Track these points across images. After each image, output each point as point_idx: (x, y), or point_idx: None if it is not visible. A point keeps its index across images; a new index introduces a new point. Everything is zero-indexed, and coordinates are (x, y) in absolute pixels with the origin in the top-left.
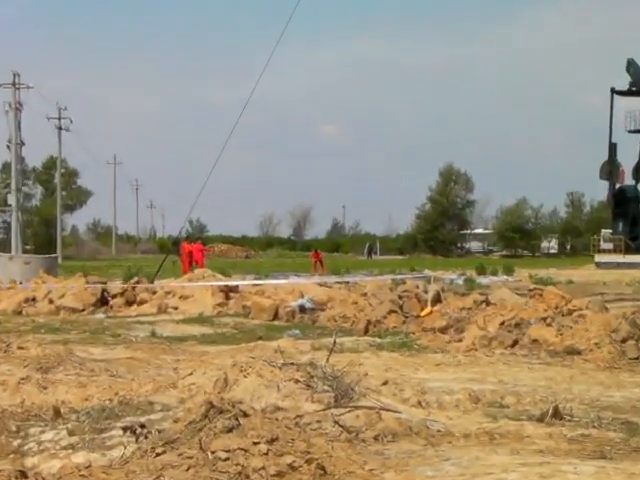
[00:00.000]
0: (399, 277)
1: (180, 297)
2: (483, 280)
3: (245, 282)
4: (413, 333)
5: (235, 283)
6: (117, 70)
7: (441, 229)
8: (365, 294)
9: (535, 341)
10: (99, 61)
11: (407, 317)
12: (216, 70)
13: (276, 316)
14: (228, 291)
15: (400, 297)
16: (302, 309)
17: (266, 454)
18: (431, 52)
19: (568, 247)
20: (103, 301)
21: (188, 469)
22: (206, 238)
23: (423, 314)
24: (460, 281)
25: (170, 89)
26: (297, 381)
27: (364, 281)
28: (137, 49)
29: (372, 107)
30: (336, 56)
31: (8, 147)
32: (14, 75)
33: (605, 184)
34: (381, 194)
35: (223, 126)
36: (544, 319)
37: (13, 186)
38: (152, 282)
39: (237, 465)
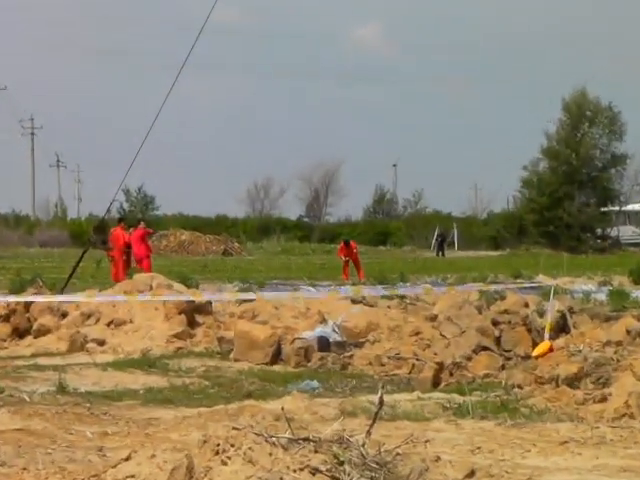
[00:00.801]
0: (493, 288)
1: (109, 323)
2: None
3: (224, 297)
4: (519, 386)
5: (206, 298)
6: None
7: (567, 205)
8: (434, 317)
9: None
10: None
11: (508, 358)
12: None
13: (278, 356)
14: (193, 312)
15: (495, 323)
16: (324, 344)
17: None
18: None
19: None
20: None
21: None
22: (154, 220)
23: (537, 353)
24: (602, 295)
25: None
26: (315, 471)
27: (431, 295)
28: None
29: None
30: None
31: None
32: None
33: None
34: (459, 145)
35: (183, 29)
36: None
37: None
38: (61, 294)
39: None
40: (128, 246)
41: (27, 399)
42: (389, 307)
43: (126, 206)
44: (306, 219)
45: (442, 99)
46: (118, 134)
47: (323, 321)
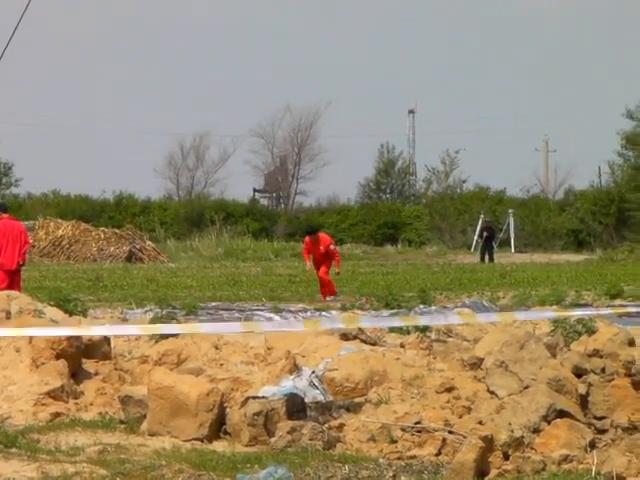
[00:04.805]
0: (575, 315)
1: None
2: None
3: (130, 330)
4: (620, 477)
5: (100, 332)
6: None
7: None
8: (477, 363)
9: None
10: None
11: (601, 430)
12: None
13: (220, 427)
14: (79, 356)
15: (580, 373)
16: (296, 406)
17: None
18: None
19: None
20: None
21: None
22: (11, 203)
23: None
24: None
25: None
26: None
27: (473, 325)
28: None
29: None
30: None
31: None
32: None
33: None
34: (517, 85)
35: None
36: None
37: None
38: None
39: None
40: None
41: None
42: (402, 346)
43: None
44: (265, 201)
45: None
46: None
47: (295, 369)
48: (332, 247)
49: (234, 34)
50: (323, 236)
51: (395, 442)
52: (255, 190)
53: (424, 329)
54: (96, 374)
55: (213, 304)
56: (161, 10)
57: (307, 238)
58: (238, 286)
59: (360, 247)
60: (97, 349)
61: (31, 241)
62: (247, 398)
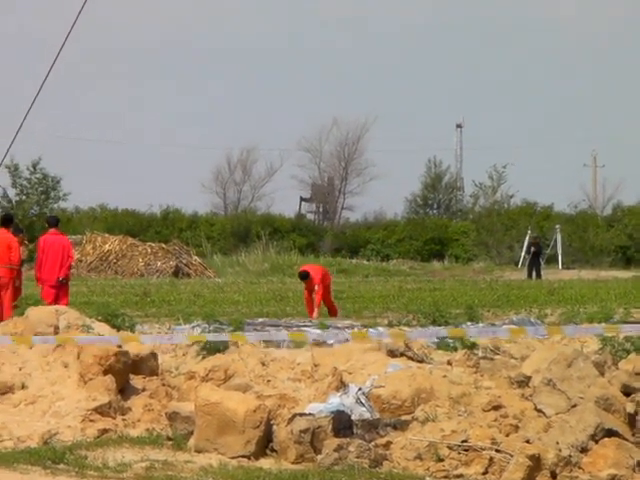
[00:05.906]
0: (624, 332)
1: None
2: None
3: (178, 339)
4: None
5: (148, 344)
6: None
7: None
8: (525, 381)
9: None
10: None
11: None
12: None
13: (267, 444)
14: (127, 371)
15: (628, 392)
16: (343, 424)
17: None
18: None
19: None
20: None
21: None
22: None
23: None
24: None
25: None
26: None
27: (521, 343)
28: None
29: None
30: None
31: None
32: None
33: None
34: (561, 99)
35: None
36: None
37: None
38: None
39: None
40: (22, 263)
41: None
42: (450, 364)
43: (13, 194)
44: (311, 216)
45: None
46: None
47: (342, 386)
48: (316, 287)
49: (282, 49)
50: (312, 276)
51: (442, 460)
52: (302, 199)
53: (471, 346)
54: (143, 390)
55: (260, 320)
56: (210, 25)
57: (304, 284)
58: (285, 302)
59: (407, 263)
60: (144, 365)
61: (75, 255)
62: (294, 415)
